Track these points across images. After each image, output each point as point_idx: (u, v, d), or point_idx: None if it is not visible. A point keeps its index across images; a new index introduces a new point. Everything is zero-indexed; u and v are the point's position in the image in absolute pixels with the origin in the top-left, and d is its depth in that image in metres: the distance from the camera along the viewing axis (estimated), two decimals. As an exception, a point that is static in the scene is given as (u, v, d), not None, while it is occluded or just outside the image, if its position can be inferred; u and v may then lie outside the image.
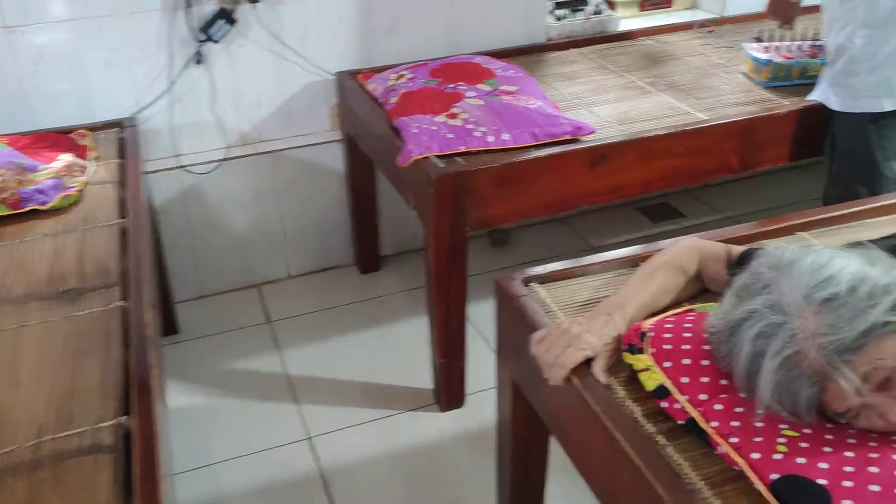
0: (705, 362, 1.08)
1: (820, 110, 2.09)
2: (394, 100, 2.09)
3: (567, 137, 1.94)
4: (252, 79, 2.40)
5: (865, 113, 2.01)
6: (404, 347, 2.35)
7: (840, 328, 0.90)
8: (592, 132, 1.97)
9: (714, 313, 1.07)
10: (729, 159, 2.09)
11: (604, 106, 2.19)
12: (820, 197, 2.24)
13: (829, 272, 0.94)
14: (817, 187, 2.21)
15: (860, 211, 1.58)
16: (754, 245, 1.42)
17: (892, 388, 0.93)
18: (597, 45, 2.67)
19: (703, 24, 2.82)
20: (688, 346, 1.11)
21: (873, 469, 0.90)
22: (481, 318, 2.30)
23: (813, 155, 2.22)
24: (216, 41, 2.27)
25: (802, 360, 0.93)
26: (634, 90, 2.30)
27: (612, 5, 2.99)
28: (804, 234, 1.54)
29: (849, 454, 0.93)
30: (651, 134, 1.96)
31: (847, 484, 0.89)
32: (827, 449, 0.95)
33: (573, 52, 2.63)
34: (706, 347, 1.10)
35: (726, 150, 2.07)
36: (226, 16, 2.24)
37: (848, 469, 0.91)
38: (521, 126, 1.94)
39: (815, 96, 2.12)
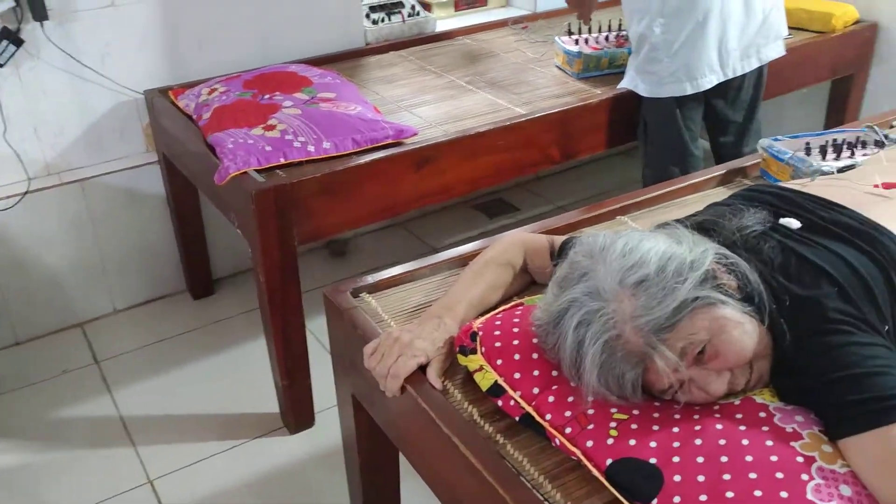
0: (535, 356, 1.08)
1: (630, 97, 2.18)
2: (207, 115, 1.99)
3: (390, 141, 1.91)
4: (50, 103, 2.22)
5: (671, 97, 2.11)
6: (246, 372, 2.25)
7: (653, 308, 0.92)
8: (415, 134, 1.95)
9: (539, 306, 1.07)
10: (550, 150, 2.13)
11: (425, 107, 2.18)
12: (638, 182, 2.35)
13: (639, 255, 0.96)
14: (639, 170, 2.31)
15: (672, 191, 1.66)
16: (576, 233, 1.45)
17: (707, 361, 0.96)
18: (415, 47, 2.67)
19: (516, 21, 2.89)
20: (517, 342, 1.10)
21: (697, 441, 0.93)
22: (325, 331, 2.23)
23: (629, 140, 2.32)
24: (1, 65, 2.08)
25: (622, 343, 0.94)
26: (455, 89, 2.31)
27: (427, 6, 3.00)
28: (623, 218, 1.59)
29: (675, 429, 0.96)
30: (473, 132, 1.97)
31: (675, 459, 0.91)
32: (655, 427, 0.96)
33: (392, 55, 2.62)
34: (535, 341, 1.10)
35: (547, 141, 2.11)
36: (10, 36, 2.05)
37: (675, 444, 0.93)
38: (341, 133, 1.89)
39: (625, 84, 2.20)
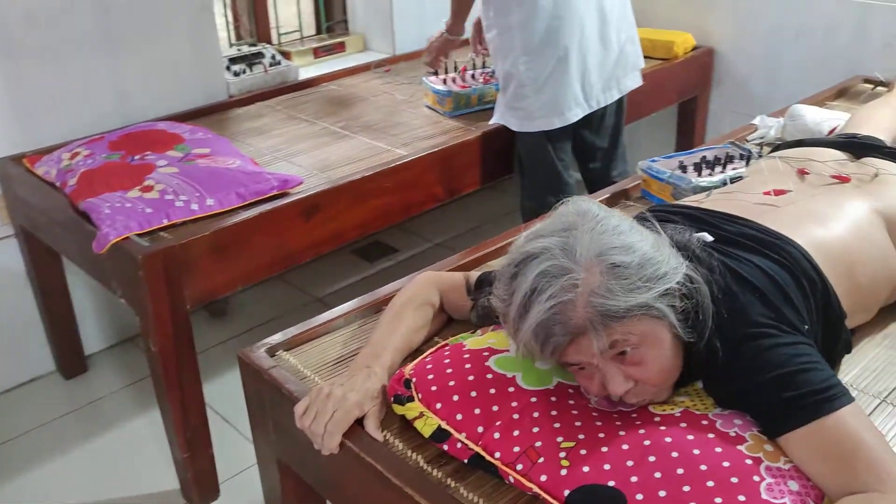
0: (473, 393, 1.07)
1: (504, 132, 2.23)
2: (73, 181, 1.87)
3: (275, 192, 1.86)
4: None
5: (542, 131, 2.18)
6: (136, 451, 2.10)
7: (616, 296, 0.93)
8: (301, 183, 1.91)
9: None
10: (435, 189, 2.15)
11: (303, 155, 2.15)
12: (516, 209, 2.41)
13: (627, 241, 0.96)
14: (511, 201, 2.36)
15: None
16: (490, 266, 1.46)
17: (626, 363, 0.98)
18: (281, 96, 2.63)
19: (379, 64, 2.91)
20: (453, 382, 1.09)
21: (651, 458, 0.94)
22: (217, 396, 2.13)
23: (506, 173, 2.38)
24: None
25: (570, 309, 0.94)
26: (330, 136, 2.29)
27: (287, 55, 2.97)
28: (523, 248, 1.61)
29: (625, 446, 0.97)
30: (359, 176, 1.96)
31: (633, 479, 0.93)
32: (604, 449, 0.97)
33: (258, 105, 2.57)
34: (470, 378, 1.09)
35: (431, 181, 2.13)
36: None
37: (629, 463, 0.95)
38: (224, 188, 1.83)
39: (496, 120, 2.26)
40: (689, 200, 1.38)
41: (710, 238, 1.16)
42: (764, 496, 0.89)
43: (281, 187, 1.87)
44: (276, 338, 1.31)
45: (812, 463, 0.93)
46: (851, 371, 1.21)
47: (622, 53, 2.23)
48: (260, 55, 2.77)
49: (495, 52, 2.19)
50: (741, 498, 0.89)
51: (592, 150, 2.38)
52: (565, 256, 0.95)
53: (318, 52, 3.09)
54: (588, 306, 0.93)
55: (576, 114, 2.17)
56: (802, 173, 1.41)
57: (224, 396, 2.18)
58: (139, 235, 1.69)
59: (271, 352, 1.29)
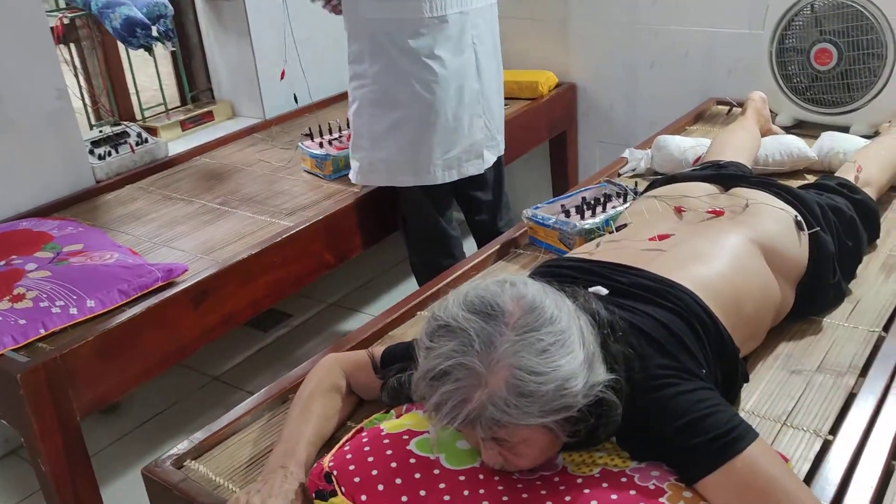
0: (398, 481, 1.05)
1: (387, 191, 2.23)
2: (-66, 299, 1.74)
3: (160, 284, 1.80)
4: None
5: (417, 186, 2.15)
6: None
7: (511, 413, 0.94)
8: (186, 270, 1.85)
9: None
10: (324, 257, 2.13)
11: (184, 238, 2.09)
12: (402, 260, 2.39)
13: (550, 366, 0.94)
14: (397, 252, 2.34)
15: (461, 274, 1.72)
16: (389, 341, 1.45)
17: (504, 447, 1.00)
18: (152, 176, 2.55)
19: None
20: (376, 471, 1.07)
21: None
22: (116, 499, 2.01)
23: (392, 230, 2.38)
24: None
25: (467, 404, 0.95)
26: (209, 213, 2.23)
27: (153, 131, 2.88)
28: (422, 313, 1.62)
29: (555, 517, 0.98)
30: (246, 255, 1.91)
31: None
32: (535, 521, 0.98)
33: (129, 188, 2.47)
34: (393, 465, 1.07)
35: (319, 249, 2.10)
36: None
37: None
38: (104, 287, 1.74)
39: (350, 173, 2.23)
40: (581, 251, 1.41)
41: (605, 291, 1.19)
42: (691, 545, 0.92)
43: (166, 277, 1.81)
44: (183, 446, 1.25)
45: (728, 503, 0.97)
46: (751, 398, 1.27)
47: (471, 138, 2.17)
48: (124, 134, 2.68)
49: (350, 95, 2.18)
50: (670, 552, 0.91)
51: (477, 204, 2.41)
52: (480, 350, 0.95)
53: (185, 125, 3.01)
54: (482, 408, 0.94)
55: (407, 181, 2.14)
56: (679, 211, 1.48)
57: (125, 498, 2.06)
58: (15, 350, 1.59)
59: (178, 463, 1.23)
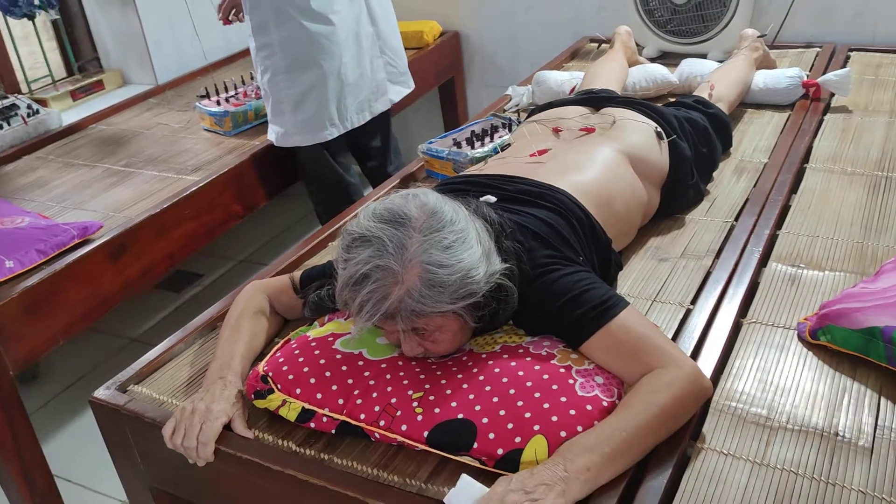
0: (328, 374, 1.20)
1: (285, 143, 2.33)
2: None
3: (77, 241, 1.86)
4: None
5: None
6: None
7: (425, 302, 1.09)
8: (101, 227, 1.92)
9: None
10: (233, 208, 2.22)
11: (94, 201, 2.14)
12: (307, 213, 2.50)
13: (454, 259, 1.09)
14: (301, 205, 2.44)
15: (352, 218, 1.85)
16: (306, 267, 1.58)
17: (422, 337, 1.16)
18: (50, 146, 2.57)
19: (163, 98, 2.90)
20: (307, 369, 1.21)
21: (487, 388, 1.12)
22: (54, 461, 2.08)
23: (294, 181, 2.49)
24: None
25: (386, 300, 1.09)
26: (114, 176, 2.28)
27: (43, 102, 2.87)
28: (333, 243, 1.75)
29: (465, 386, 1.14)
30: (159, 209, 1.99)
31: (477, 407, 1.10)
32: (448, 391, 1.14)
33: (27, 159, 2.49)
34: (322, 361, 1.22)
35: (227, 200, 2.20)
36: None
37: (471, 396, 1.12)
38: (21, 248, 1.80)
39: (269, 135, 2.34)
40: (473, 169, 1.58)
41: (493, 199, 1.35)
42: (580, 393, 1.10)
43: (81, 234, 1.87)
44: (125, 373, 1.36)
45: (608, 360, 1.16)
46: (627, 283, 1.47)
47: (374, 79, 2.33)
48: (14, 107, 2.67)
49: (256, 66, 2.27)
50: (563, 399, 1.09)
51: (367, 150, 2.54)
52: (394, 253, 1.08)
53: (76, 95, 3.01)
54: (401, 302, 1.09)
55: (330, 133, 2.26)
56: (556, 131, 1.66)
57: (62, 459, 2.13)
58: (-59, 313, 1.64)
59: (122, 388, 1.33)
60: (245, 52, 3.28)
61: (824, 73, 2.31)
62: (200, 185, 2.11)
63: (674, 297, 1.42)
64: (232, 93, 2.59)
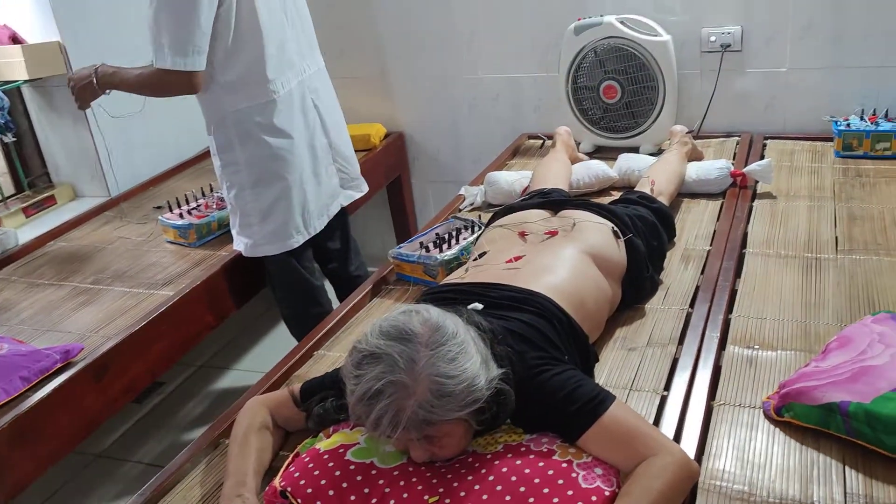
0: (345, 485, 1.27)
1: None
2: None
3: (60, 365, 1.89)
4: None
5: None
6: None
7: (436, 412, 1.19)
8: (82, 349, 1.95)
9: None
10: (206, 319, 2.28)
11: (67, 321, 2.16)
12: (265, 312, 2.56)
13: (459, 369, 1.20)
14: (257, 304, 2.48)
15: (345, 314, 1.95)
16: (302, 378, 1.65)
17: (431, 444, 1.26)
18: (10, 266, 2.57)
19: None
20: (324, 481, 1.28)
21: (498, 487, 1.22)
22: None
23: (262, 287, 2.56)
24: None
25: (400, 415, 1.18)
26: (84, 294, 2.31)
27: (-4, 222, 2.88)
28: (320, 352, 1.83)
29: (476, 486, 1.23)
30: (138, 326, 2.04)
31: (484, 496, 1.20)
32: (462, 494, 1.23)
33: (-12, 281, 2.49)
34: (337, 473, 1.29)
35: (200, 312, 2.26)
36: None
37: (485, 497, 1.21)
38: (5, 376, 1.81)
39: (236, 246, 2.42)
40: (454, 278, 1.70)
41: (480, 306, 1.47)
42: (583, 485, 1.21)
43: (64, 359, 1.90)
44: (136, 500, 1.40)
45: (604, 452, 1.27)
46: (603, 374, 1.59)
47: (330, 184, 2.46)
48: (-36, 229, 2.68)
49: (222, 182, 2.36)
50: (570, 493, 1.19)
51: (328, 253, 2.65)
52: (404, 368, 1.19)
53: (28, 211, 3.03)
54: (413, 414, 1.19)
55: (297, 240, 2.36)
56: (523, 235, 1.80)
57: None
58: (-69, 449, 1.64)
59: (134, 514, 1.37)
60: (196, 160, 3.39)
61: (746, 160, 2.55)
62: (175, 299, 2.17)
63: (648, 385, 1.55)
64: (193, 205, 2.67)
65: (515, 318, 1.44)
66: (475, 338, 1.29)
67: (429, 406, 1.19)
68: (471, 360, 1.24)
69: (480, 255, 1.76)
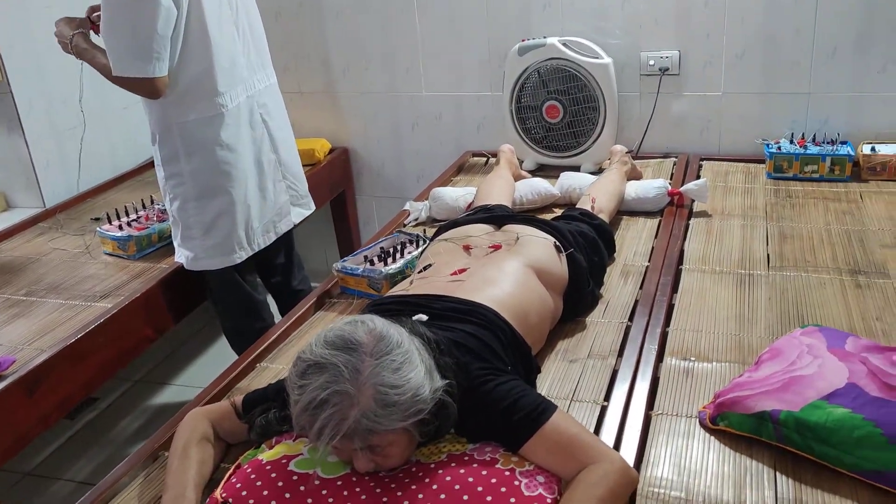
0: (288, 495, 1.26)
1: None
2: None
3: (-10, 378, 1.83)
4: None
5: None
6: None
7: (380, 422, 1.19)
8: (14, 362, 1.90)
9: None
10: (145, 332, 2.24)
11: (-1, 333, 2.11)
12: (203, 326, 2.52)
13: (403, 379, 1.20)
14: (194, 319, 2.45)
15: (289, 327, 1.94)
16: (243, 392, 1.63)
17: (374, 454, 1.25)
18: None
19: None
20: (266, 492, 1.27)
21: (442, 496, 1.23)
22: None
23: (202, 300, 2.52)
24: None
25: (343, 423, 1.18)
26: (16, 306, 2.25)
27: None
28: (262, 364, 1.82)
29: (420, 495, 1.24)
30: (73, 339, 1.99)
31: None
32: (405, 503, 1.23)
33: None
34: (280, 484, 1.28)
35: (139, 325, 2.21)
36: None
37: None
38: (-69, 389, 1.75)
39: (177, 258, 2.38)
40: (398, 290, 1.70)
41: (425, 318, 1.48)
42: (526, 493, 1.23)
43: (-6, 371, 1.85)
44: (70, 514, 1.36)
45: (546, 460, 1.29)
46: (545, 384, 1.62)
47: (277, 201, 2.44)
48: None
49: (165, 194, 2.32)
50: (512, 500, 1.21)
51: (272, 267, 2.63)
52: (349, 377, 1.18)
53: (-52, 221, 2.93)
54: (357, 423, 1.19)
55: (239, 256, 2.34)
56: (467, 248, 1.82)
57: None
58: None
59: (70, 528, 1.34)
60: (135, 172, 3.33)
61: (683, 180, 2.63)
62: (113, 312, 2.12)
63: (588, 396, 1.58)
64: (133, 216, 2.62)
65: (460, 329, 1.46)
66: (420, 348, 1.30)
67: (373, 415, 1.19)
68: (415, 370, 1.24)
69: (425, 268, 1.78)
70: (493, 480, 1.25)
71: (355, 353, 1.22)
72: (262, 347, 1.85)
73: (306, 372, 1.23)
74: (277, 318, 2.60)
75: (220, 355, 3.11)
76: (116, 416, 2.95)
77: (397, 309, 1.53)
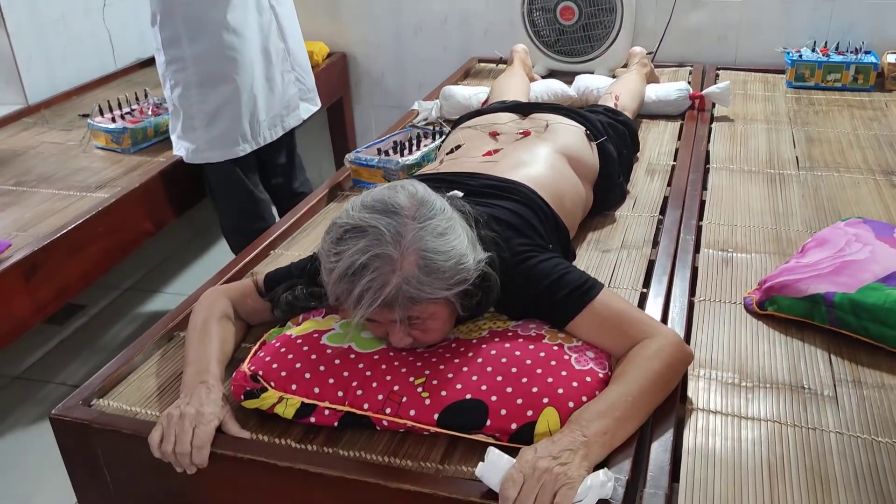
0: (322, 368, 1.19)
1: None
2: None
3: (-16, 262, 1.73)
4: None
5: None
6: None
7: (423, 289, 1.11)
8: (10, 245, 1.79)
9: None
10: (144, 225, 2.13)
11: (-11, 220, 1.99)
12: (201, 231, 2.42)
13: (447, 246, 1.11)
14: (188, 224, 2.35)
15: (300, 217, 1.84)
16: (265, 271, 1.55)
17: (412, 327, 1.17)
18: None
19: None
20: (299, 364, 1.19)
21: (489, 368, 1.16)
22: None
23: (203, 197, 2.41)
24: None
25: (385, 288, 1.09)
26: (7, 195, 2.13)
27: None
28: (275, 251, 1.73)
29: (465, 368, 1.17)
30: (73, 225, 1.88)
31: (483, 387, 1.13)
32: (450, 375, 1.16)
33: None
34: (313, 357, 1.20)
35: (140, 217, 2.11)
36: None
37: (475, 378, 1.15)
38: (-78, 270, 1.64)
39: (176, 151, 2.27)
40: (428, 169, 1.61)
41: (460, 194, 1.39)
42: (577, 367, 1.16)
43: (-10, 254, 1.74)
44: (85, 388, 1.27)
45: (596, 336, 1.22)
46: (579, 273, 1.55)
47: (286, 94, 2.33)
48: None
49: (165, 80, 2.19)
50: (563, 373, 1.14)
51: (273, 167, 2.51)
52: (391, 241, 1.09)
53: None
54: (399, 290, 1.10)
55: (243, 149, 2.23)
56: (494, 135, 1.73)
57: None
58: None
59: (86, 402, 1.25)
60: (122, 73, 3.17)
61: (701, 88, 2.54)
62: (111, 201, 2.01)
63: (626, 283, 1.51)
64: (127, 109, 2.48)
65: (499, 205, 1.37)
66: (460, 219, 1.21)
67: (416, 282, 1.11)
68: (459, 237, 1.16)
69: (455, 149, 1.68)
70: (542, 354, 1.18)
71: (397, 216, 1.13)
72: (274, 235, 1.75)
73: (343, 237, 1.13)
74: (278, 221, 2.49)
75: (212, 265, 3.00)
76: (107, 322, 2.84)
77: (431, 187, 1.43)
